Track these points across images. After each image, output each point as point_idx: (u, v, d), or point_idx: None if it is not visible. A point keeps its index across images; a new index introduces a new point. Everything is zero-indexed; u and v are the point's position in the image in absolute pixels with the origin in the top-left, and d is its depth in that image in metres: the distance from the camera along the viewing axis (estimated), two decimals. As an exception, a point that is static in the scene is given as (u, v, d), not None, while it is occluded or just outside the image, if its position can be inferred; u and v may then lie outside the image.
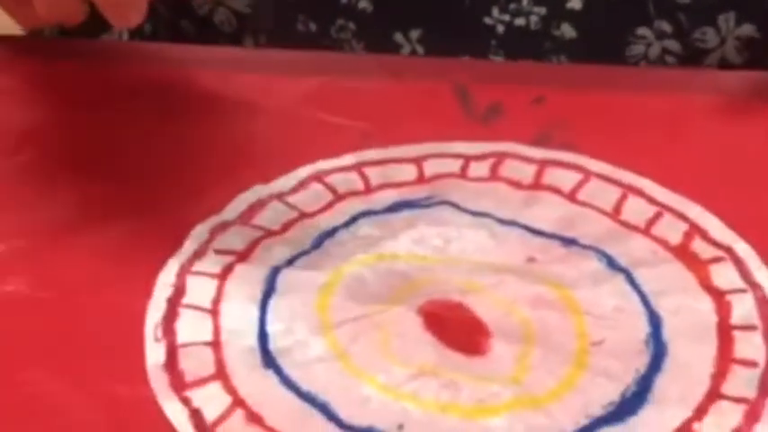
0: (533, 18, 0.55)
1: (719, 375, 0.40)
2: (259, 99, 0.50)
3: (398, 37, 0.56)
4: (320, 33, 0.57)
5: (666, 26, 0.55)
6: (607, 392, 0.39)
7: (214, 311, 0.42)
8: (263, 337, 0.41)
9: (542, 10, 0.55)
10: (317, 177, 0.47)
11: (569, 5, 0.55)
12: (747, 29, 0.55)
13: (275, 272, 0.43)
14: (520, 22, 0.55)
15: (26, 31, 0.51)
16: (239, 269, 0.43)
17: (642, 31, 0.55)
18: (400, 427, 0.39)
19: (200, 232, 0.45)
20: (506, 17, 0.55)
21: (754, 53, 0.56)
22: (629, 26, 0.55)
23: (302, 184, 0.47)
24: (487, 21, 0.56)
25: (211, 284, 0.43)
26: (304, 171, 0.47)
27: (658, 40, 0.55)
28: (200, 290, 0.42)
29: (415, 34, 0.56)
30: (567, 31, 0.55)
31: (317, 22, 0.57)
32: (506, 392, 0.39)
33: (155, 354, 0.40)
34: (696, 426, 0.38)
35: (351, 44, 0.57)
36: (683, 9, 0.54)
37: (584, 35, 0.55)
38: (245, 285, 0.42)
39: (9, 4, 0.46)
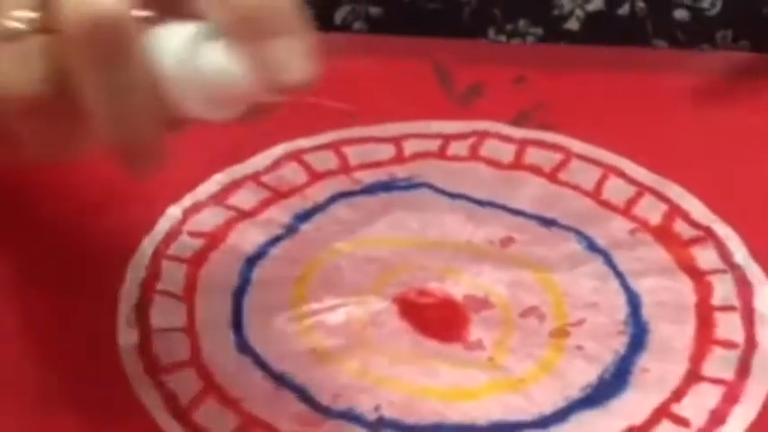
0: (530, 39, 0.54)
1: (699, 356, 0.39)
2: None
3: None
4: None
5: (663, 44, 0.55)
6: (586, 374, 0.39)
7: (189, 299, 0.41)
8: (237, 325, 0.40)
9: (539, 30, 0.54)
10: (294, 156, 0.47)
11: (567, 26, 0.54)
12: (743, 45, 0.55)
13: (250, 264, 0.42)
14: (516, 42, 0.54)
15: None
16: (213, 257, 0.43)
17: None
18: (377, 408, 0.38)
19: (173, 213, 0.44)
20: (503, 38, 0.54)
21: None
22: (625, 45, 0.54)
23: (278, 163, 0.46)
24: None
25: (186, 272, 0.42)
26: (280, 149, 0.47)
27: None
28: (174, 277, 0.42)
29: None
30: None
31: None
32: (484, 376, 0.39)
33: (128, 337, 0.40)
34: (675, 407, 0.38)
35: None
36: (680, 27, 0.54)
37: None
38: (219, 276, 0.42)
39: None
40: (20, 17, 0.33)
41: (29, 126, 0.33)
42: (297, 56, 0.33)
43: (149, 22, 0.33)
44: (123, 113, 0.33)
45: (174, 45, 0.33)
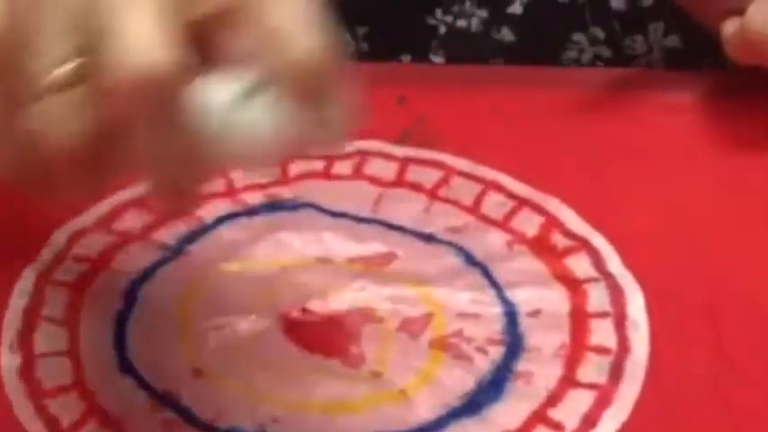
0: (474, 21, 0.57)
1: (573, 362, 0.41)
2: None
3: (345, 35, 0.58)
4: None
5: (600, 33, 0.57)
6: (464, 383, 0.40)
7: (72, 323, 0.41)
8: (121, 346, 0.41)
9: (484, 13, 0.56)
10: (180, 180, 0.47)
11: (510, 10, 0.56)
12: (673, 40, 0.57)
13: (136, 286, 0.43)
14: (461, 23, 0.57)
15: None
16: (99, 280, 0.43)
17: (578, 37, 0.57)
18: (261, 426, 0.39)
19: (58, 239, 0.44)
20: (449, 18, 0.57)
21: (676, 63, 0.59)
22: (565, 32, 0.57)
23: (164, 188, 0.47)
24: (431, 21, 0.57)
25: (70, 295, 0.42)
26: (166, 175, 0.47)
27: (591, 46, 0.57)
28: (58, 301, 0.42)
29: (361, 32, 0.58)
30: (507, 34, 0.57)
31: None
32: (366, 388, 0.40)
33: (10, 362, 0.40)
34: (550, 412, 0.39)
35: None
36: (617, 16, 0.57)
37: (522, 39, 0.57)
38: (104, 297, 0.42)
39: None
40: (62, 68, 0.31)
41: (66, 172, 0.32)
42: (342, 115, 0.32)
43: (191, 73, 0.32)
44: (164, 162, 0.32)
45: (218, 100, 0.32)
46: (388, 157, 0.48)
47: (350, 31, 0.58)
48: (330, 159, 0.48)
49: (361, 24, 0.58)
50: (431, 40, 0.58)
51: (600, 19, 0.57)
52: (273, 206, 0.46)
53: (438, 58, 0.58)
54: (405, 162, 0.48)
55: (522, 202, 0.46)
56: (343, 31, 0.57)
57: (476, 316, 0.42)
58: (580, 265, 0.44)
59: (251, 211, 0.46)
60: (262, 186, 0.47)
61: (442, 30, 0.57)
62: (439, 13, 0.57)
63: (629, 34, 0.57)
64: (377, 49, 0.58)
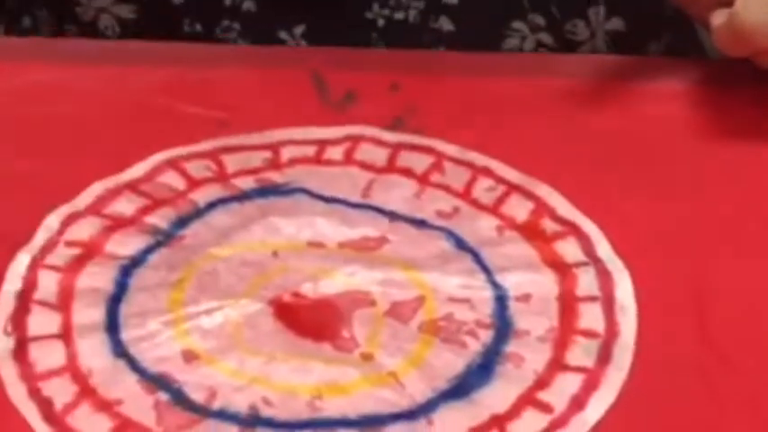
0: (412, 12, 0.57)
1: (562, 346, 0.41)
2: (112, 90, 0.50)
3: (283, 35, 0.57)
4: (206, 34, 0.58)
5: (540, 19, 0.57)
6: (453, 366, 0.40)
7: (65, 307, 0.42)
8: (114, 329, 0.41)
9: (421, 4, 0.56)
10: (172, 164, 0.47)
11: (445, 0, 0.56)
12: (616, 23, 0.57)
13: (127, 271, 0.43)
14: (399, 15, 0.57)
15: None
16: (91, 265, 0.43)
17: (517, 24, 0.57)
18: (252, 407, 0.39)
19: (51, 222, 0.45)
20: (386, 11, 0.57)
21: (623, 48, 0.58)
22: (504, 20, 0.57)
23: (156, 171, 0.47)
24: (368, 15, 0.57)
25: (63, 280, 0.43)
26: (158, 158, 0.47)
27: (533, 33, 0.57)
28: (51, 285, 0.42)
29: (298, 31, 0.58)
30: (445, 23, 0.57)
31: (203, 24, 0.57)
32: (356, 371, 0.40)
33: (4, 345, 0.40)
34: (538, 394, 0.40)
35: (237, 44, 0.58)
36: (555, 2, 0.56)
37: (461, 28, 0.57)
38: (96, 283, 0.43)
39: None
40: None
41: None
42: None
43: None
44: None
45: None
46: (379, 142, 0.49)
47: (288, 31, 0.58)
48: (322, 145, 0.49)
49: (298, 24, 0.58)
50: (370, 34, 0.58)
51: (539, 5, 0.57)
52: (265, 191, 0.47)
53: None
54: (396, 148, 0.48)
55: (513, 188, 0.47)
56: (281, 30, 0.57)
57: (466, 300, 0.42)
58: (569, 250, 0.44)
59: (243, 196, 0.46)
60: (253, 171, 0.48)
61: (381, 23, 0.57)
62: (376, 7, 0.57)
63: (569, 19, 0.56)
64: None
